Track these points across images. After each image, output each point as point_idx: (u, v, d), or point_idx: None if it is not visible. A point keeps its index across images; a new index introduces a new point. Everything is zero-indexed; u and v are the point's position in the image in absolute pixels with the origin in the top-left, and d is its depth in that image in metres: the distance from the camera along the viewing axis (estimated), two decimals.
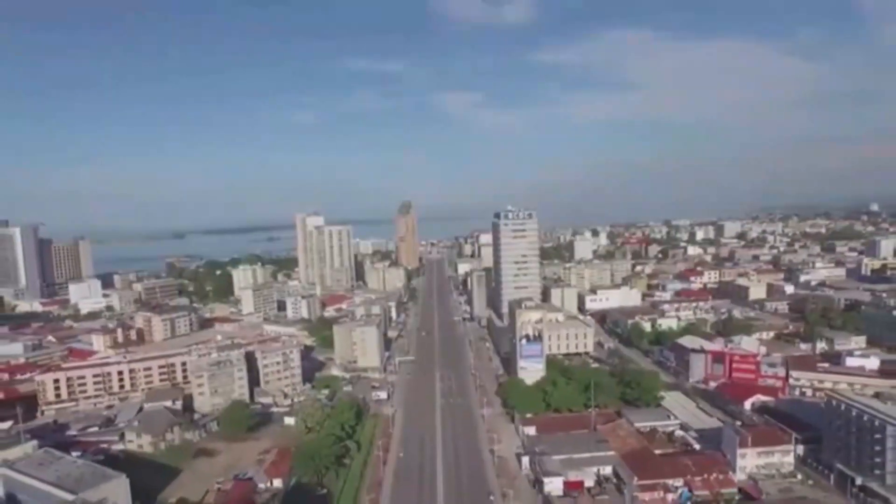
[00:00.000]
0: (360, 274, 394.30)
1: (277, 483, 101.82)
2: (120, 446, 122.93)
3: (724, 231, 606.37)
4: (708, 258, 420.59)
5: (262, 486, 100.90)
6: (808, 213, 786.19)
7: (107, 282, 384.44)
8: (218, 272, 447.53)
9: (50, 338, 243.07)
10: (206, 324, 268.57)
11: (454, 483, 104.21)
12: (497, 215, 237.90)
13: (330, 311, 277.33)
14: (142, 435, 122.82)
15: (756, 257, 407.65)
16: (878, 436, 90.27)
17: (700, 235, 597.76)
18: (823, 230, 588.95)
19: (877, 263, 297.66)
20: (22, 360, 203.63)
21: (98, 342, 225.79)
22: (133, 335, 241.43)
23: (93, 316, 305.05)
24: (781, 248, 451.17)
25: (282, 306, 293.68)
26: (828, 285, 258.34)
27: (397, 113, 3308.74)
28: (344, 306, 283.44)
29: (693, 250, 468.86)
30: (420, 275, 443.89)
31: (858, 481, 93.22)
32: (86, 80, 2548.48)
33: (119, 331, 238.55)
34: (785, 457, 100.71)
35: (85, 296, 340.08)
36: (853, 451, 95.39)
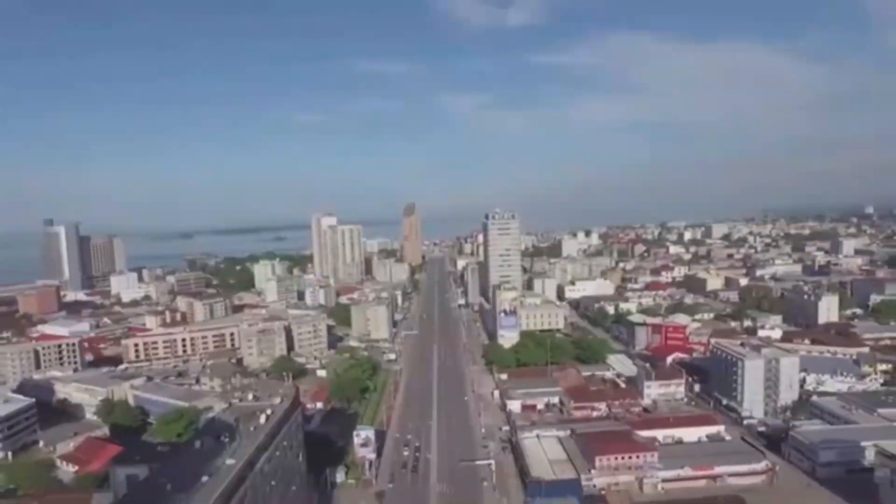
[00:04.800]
0: (368, 269, 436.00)
1: (319, 405, 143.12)
2: (196, 387, 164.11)
3: (711, 232, 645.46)
4: (688, 257, 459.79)
5: (309, 406, 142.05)
6: (804, 216, 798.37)
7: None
8: (238, 268, 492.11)
9: (105, 320, 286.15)
10: (237, 309, 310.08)
11: (444, 404, 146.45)
12: (486, 216, 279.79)
13: (344, 300, 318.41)
14: (213, 379, 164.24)
15: (731, 255, 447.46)
16: (734, 368, 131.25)
17: (688, 236, 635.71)
18: (807, 232, 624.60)
19: (824, 260, 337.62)
20: (92, 335, 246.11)
21: (150, 322, 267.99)
22: (178, 317, 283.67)
23: (134, 304, 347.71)
24: (758, 248, 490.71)
25: (301, 296, 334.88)
26: (775, 278, 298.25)
27: (402, 114, 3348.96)
28: (355, 296, 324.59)
29: (674, 249, 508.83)
30: (423, 271, 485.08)
31: (725, 402, 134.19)
32: (85, 81, 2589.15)
33: (167, 313, 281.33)
34: (678, 388, 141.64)
35: (125, 287, 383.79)
36: (724, 382, 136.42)
